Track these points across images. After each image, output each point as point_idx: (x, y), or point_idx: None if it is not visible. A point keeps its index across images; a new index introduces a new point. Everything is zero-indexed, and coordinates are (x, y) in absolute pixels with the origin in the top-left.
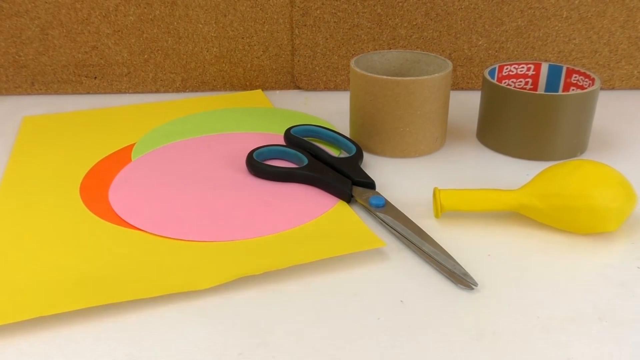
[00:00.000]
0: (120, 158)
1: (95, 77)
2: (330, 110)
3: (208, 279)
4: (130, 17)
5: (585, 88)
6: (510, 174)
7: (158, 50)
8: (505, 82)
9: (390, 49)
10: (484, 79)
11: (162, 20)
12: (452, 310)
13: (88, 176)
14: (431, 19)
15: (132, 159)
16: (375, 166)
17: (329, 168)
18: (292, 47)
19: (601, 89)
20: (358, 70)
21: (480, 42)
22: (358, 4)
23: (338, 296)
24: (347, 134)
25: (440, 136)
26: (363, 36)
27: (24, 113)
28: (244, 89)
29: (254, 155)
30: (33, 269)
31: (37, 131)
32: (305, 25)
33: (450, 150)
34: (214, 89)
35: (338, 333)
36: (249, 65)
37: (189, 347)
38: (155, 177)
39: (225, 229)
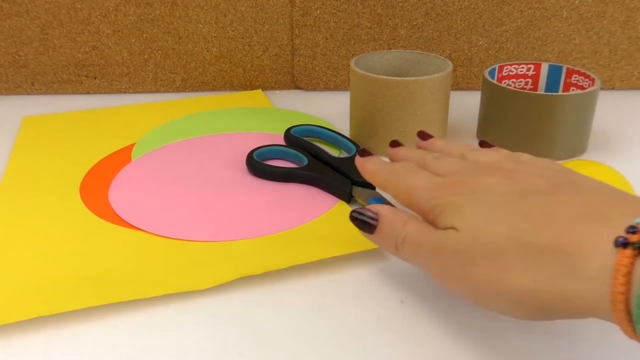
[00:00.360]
0: (120, 158)
1: (95, 77)
2: (330, 110)
3: (208, 279)
4: (130, 17)
5: (585, 88)
6: None
7: (158, 50)
8: (505, 82)
9: (390, 49)
10: (484, 79)
11: (162, 20)
12: (453, 310)
13: (88, 176)
14: (431, 19)
15: (132, 159)
16: None
17: (329, 168)
18: (292, 47)
19: (601, 89)
20: (358, 70)
21: (480, 42)
22: (358, 4)
23: (338, 296)
24: (347, 134)
25: (440, 136)
26: (363, 36)
27: (24, 113)
28: (244, 89)
29: (254, 155)
30: (33, 269)
31: (37, 131)
32: (305, 25)
33: None
34: (214, 89)
35: (338, 333)
36: (249, 65)
37: (189, 347)
38: (155, 177)
39: (225, 228)
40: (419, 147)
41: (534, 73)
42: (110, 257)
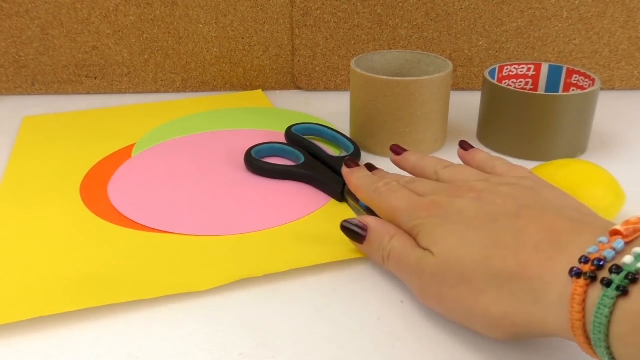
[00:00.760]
0: (120, 158)
1: (95, 77)
2: (330, 110)
3: (208, 280)
4: (130, 17)
5: (585, 88)
6: None
7: (158, 50)
8: (505, 82)
9: (390, 49)
10: (484, 79)
11: (162, 20)
12: None
13: (88, 176)
14: (431, 19)
15: None
16: None
17: (325, 167)
18: (292, 47)
19: (601, 89)
20: (358, 70)
21: (480, 42)
22: (358, 4)
23: (338, 296)
24: (347, 134)
25: (440, 136)
26: (363, 36)
27: (24, 113)
28: (244, 89)
29: (252, 152)
30: (33, 269)
31: (37, 131)
32: (305, 25)
33: (450, 151)
34: (214, 89)
35: (338, 333)
36: (249, 65)
37: (189, 347)
38: (153, 172)
39: (218, 223)
40: (393, 161)
41: (534, 73)
42: (110, 257)
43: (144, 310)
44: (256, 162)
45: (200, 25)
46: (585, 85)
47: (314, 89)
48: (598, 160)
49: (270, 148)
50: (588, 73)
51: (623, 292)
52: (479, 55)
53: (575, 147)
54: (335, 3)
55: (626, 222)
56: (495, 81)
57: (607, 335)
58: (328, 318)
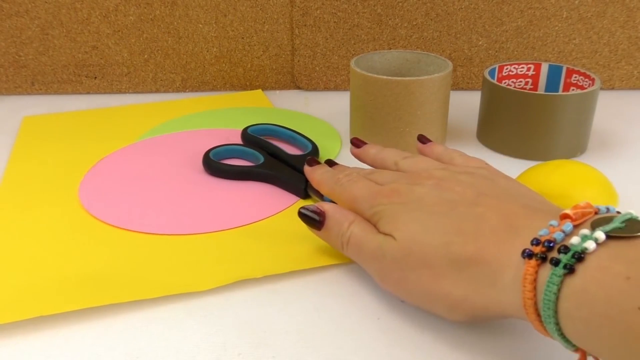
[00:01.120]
0: None
1: (95, 77)
2: (330, 110)
3: (208, 281)
4: (130, 17)
5: (585, 88)
6: (510, 174)
7: (158, 50)
8: (505, 82)
9: (390, 49)
10: (484, 79)
11: (162, 20)
12: None
13: None
14: (431, 19)
15: None
16: None
17: (285, 166)
18: (292, 47)
19: (601, 89)
20: (358, 70)
21: (480, 42)
22: (358, 4)
23: (338, 296)
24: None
25: (440, 136)
26: (363, 36)
27: (24, 113)
28: (244, 89)
29: (211, 154)
30: (33, 269)
31: (37, 131)
32: (305, 25)
33: None
34: (214, 89)
35: (338, 333)
36: (249, 65)
37: (189, 347)
38: (122, 173)
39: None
40: (353, 154)
41: (534, 73)
42: (110, 257)
43: (144, 310)
44: (214, 164)
45: (200, 25)
46: (585, 85)
47: (314, 89)
48: (598, 160)
49: (228, 150)
50: (588, 73)
51: (570, 270)
52: (479, 55)
53: (575, 147)
54: (335, 3)
55: (575, 207)
56: (495, 81)
57: (556, 312)
58: (328, 318)
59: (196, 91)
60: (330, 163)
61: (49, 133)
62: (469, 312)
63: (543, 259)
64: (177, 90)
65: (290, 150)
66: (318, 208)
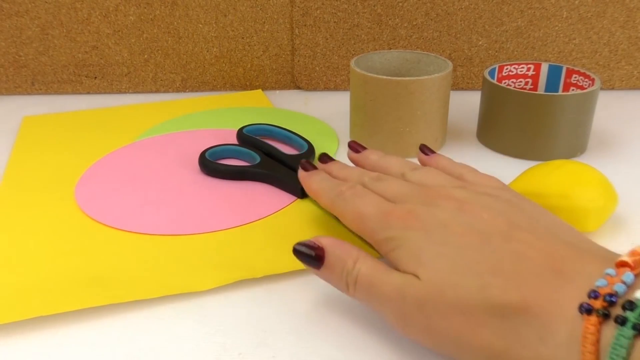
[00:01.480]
0: None
1: (95, 77)
2: (330, 110)
3: (208, 281)
4: (130, 17)
5: (585, 88)
6: (510, 174)
7: (158, 50)
8: (505, 82)
9: (390, 49)
10: (484, 79)
11: (162, 20)
12: None
13: None
14: (431, 19)
15: None
16: None
17: (281, 165)
18: (292, 47)
19: (601, 89)
20: (358, 70)
21: (480, 42)
22: (358, 4)
23: (338, 296)
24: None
25: (440, 136)
26: (363, 36)
27: (24, 113)
28: (244, 89)
29: (207, 154)
30: (33, 269)
31: (37, 131)
32: (305, 25)
33: (450, 151)
34: (214, 89)
35: (338, 333)
36: (249, 65)
37: (189, 347)
38: (118, 174)
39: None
40: (351, 159)
41: (534, 73)
42: (110, 257)
43: (144, 310)
44: (211, 164)
45: (200, 25)
46: (585, 85)
47: (314, 89)
48: (598, 160)
49: (224, 150)
50: (588, 73)
51: (639, 331)
52: (479, 55)
53: (575, 147)
54: (335, 3)
55: (632, 254)
56: (495, 81)
57: None
58: (328, 318)
59: (196, 91)
60: (325, 159)
61: (49, 133)
62: None
63: (606, 315)
64: (177, 90)
65: (286, 150)
66: (315, 243)
